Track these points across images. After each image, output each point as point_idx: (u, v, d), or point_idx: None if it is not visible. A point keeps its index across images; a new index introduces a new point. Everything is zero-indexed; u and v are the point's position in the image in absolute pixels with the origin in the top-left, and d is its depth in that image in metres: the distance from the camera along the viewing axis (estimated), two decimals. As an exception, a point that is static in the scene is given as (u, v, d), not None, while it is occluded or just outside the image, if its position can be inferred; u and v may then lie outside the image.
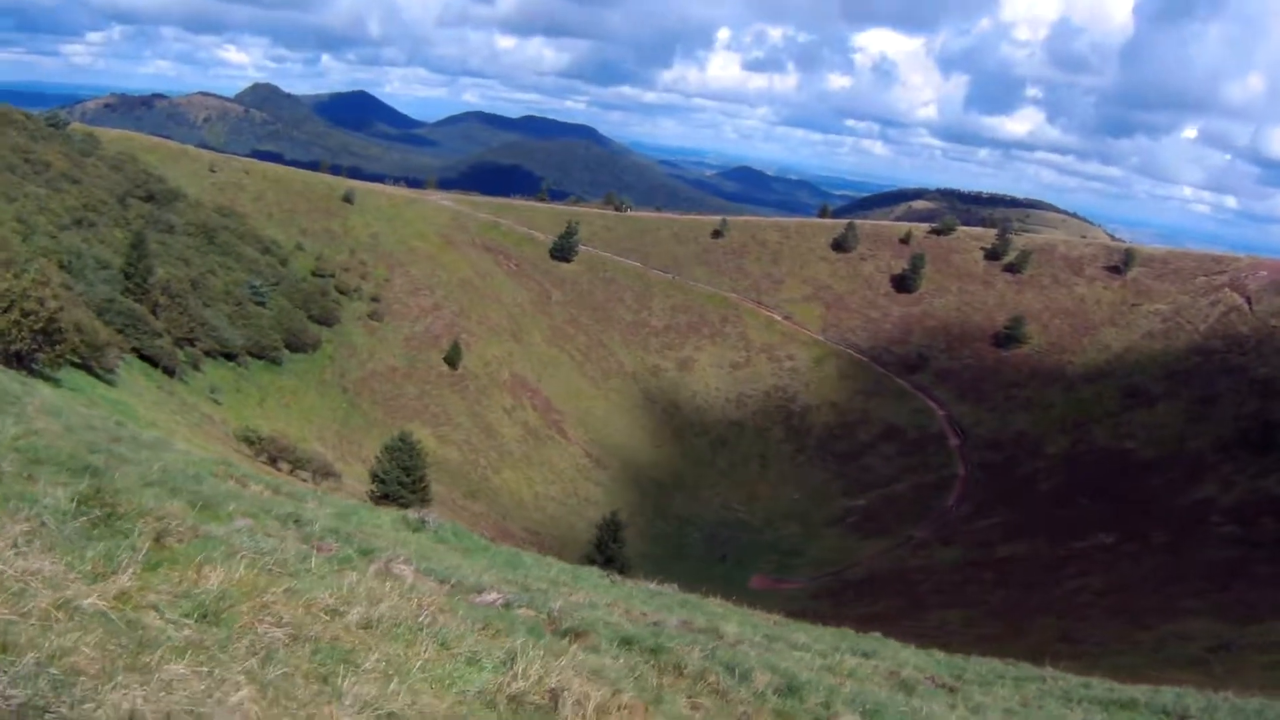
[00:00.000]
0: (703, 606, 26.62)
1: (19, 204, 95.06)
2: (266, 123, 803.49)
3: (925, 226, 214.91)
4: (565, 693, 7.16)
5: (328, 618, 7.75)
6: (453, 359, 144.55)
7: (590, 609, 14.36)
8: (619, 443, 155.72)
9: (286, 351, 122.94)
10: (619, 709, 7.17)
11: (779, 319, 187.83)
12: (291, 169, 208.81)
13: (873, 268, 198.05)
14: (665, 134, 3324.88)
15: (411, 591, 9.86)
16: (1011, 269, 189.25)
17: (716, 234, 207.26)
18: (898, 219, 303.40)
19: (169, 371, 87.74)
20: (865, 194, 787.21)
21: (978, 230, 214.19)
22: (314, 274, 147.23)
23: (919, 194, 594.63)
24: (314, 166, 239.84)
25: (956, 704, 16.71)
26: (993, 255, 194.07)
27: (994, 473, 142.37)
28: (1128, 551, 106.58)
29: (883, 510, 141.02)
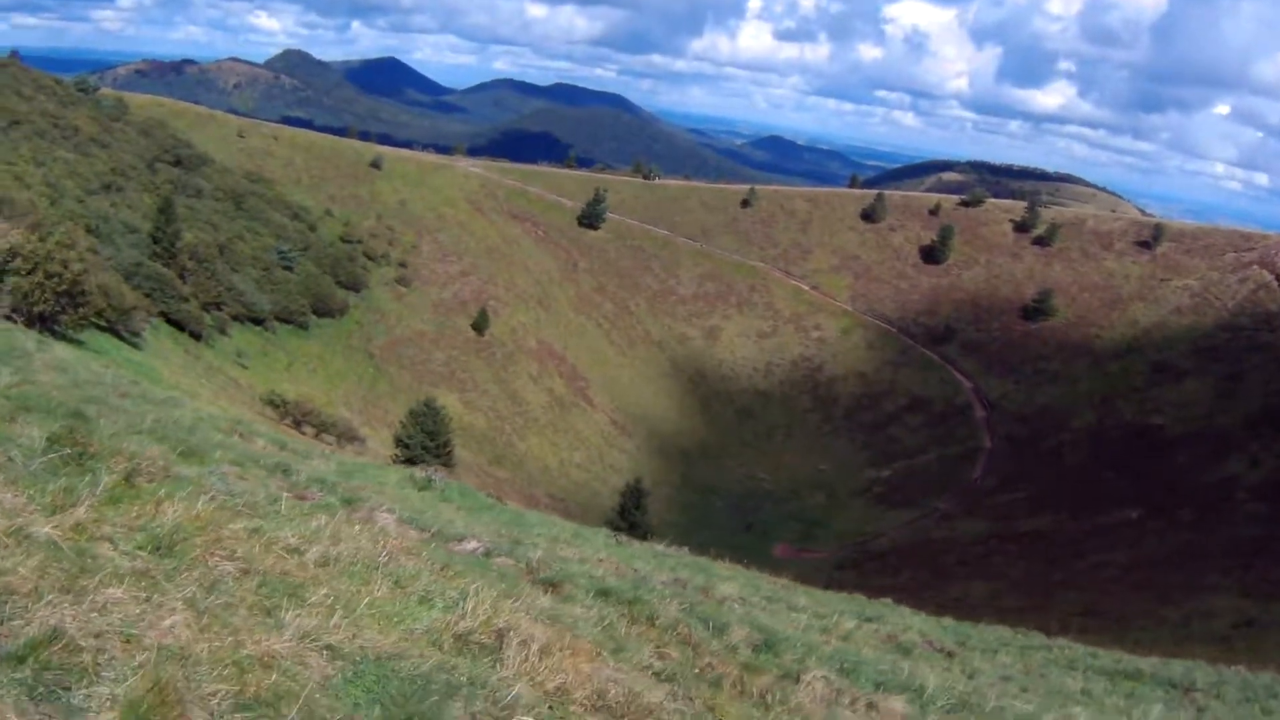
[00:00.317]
0: (710, 569, 26.54)
1: (48, 168, 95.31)
2: (297, 89, 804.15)
3: (954, 198, 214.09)
4: (511, 633, 7.08)
5: (286, 555, 7.70)
6: (480, 325, 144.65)
7: (579, 564, 14.32)
8: (645, 411, 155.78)
9: (313, 316, 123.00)
10: (563, 650, 7.04)
11: (807, 289, 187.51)
12: (320, 135, 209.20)
13: (901, 239, 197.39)
14: (695, 102, 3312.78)
15: (381, 535, 9.75)
16: (1040, 242, 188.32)
17: (745, 203, 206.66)
18: (927, 190, 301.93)
19: (196, 336, 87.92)
20: (895, 165, 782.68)
21: (1007, 203, 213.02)
22: (342, 239, 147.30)
23: (949, 166, 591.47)
24: (343, 133, 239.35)
25: (952, 668, 16.63)
26: (1022, 228, 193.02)
27: (1020, 446, 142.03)
28: (1153, 528, 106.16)
29: (908, 481, 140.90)
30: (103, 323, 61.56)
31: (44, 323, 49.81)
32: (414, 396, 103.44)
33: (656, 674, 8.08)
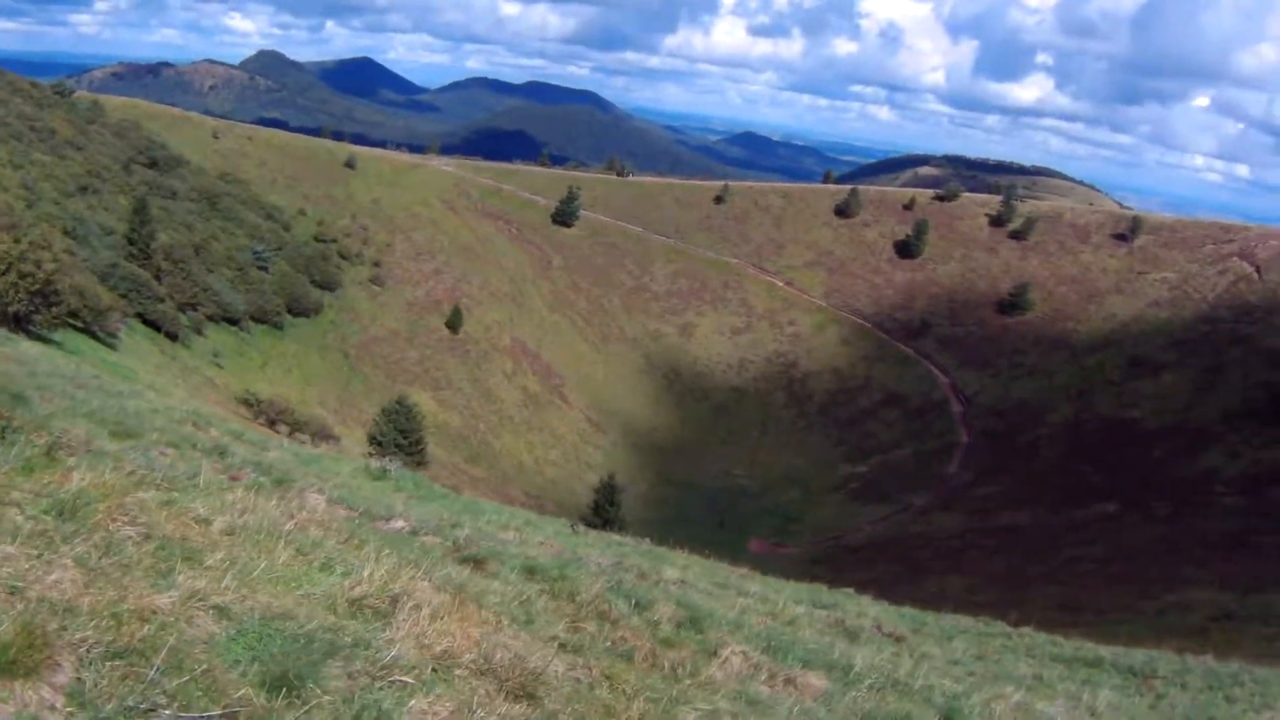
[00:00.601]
0: (665, 557, 26.48)
1: (24, 171, 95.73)
2: (271, 90, 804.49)
3: (929, 193, 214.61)
4: (406, 598, 7.08)
5: (193, 524, 7.70)
6: (454, 324, 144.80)
7: (517, 546, 14.29)
8: (620, 408, 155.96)
9: (288, 316, 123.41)
10: (455, 616, 7.01)
11: (781, 285, 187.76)
12: (294, 135, 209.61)
13: (876, 234, 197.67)
14: (669, 99, 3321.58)
15: (297, 509, 9.68)
16: (1016, 236, 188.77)
17: (719, 199, 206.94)
18: (903, 185, 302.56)
19: (172, 336, 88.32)
20: (871, 160, 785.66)
21: (982, 196, 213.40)
22: (316, 239, 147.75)
23: (925, 160, 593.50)
24: (317, 133, 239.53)
25: (900, 652, 16.54)
26: (997, 222, 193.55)
27: (996, 440, 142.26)
28: (1130, 521, 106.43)
29: (884, 477, 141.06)
30: (79, 323, 62.16)
31: (18, 322, 50.23)
32: (388, 395, 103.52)
33: (563, 645, 8.05)
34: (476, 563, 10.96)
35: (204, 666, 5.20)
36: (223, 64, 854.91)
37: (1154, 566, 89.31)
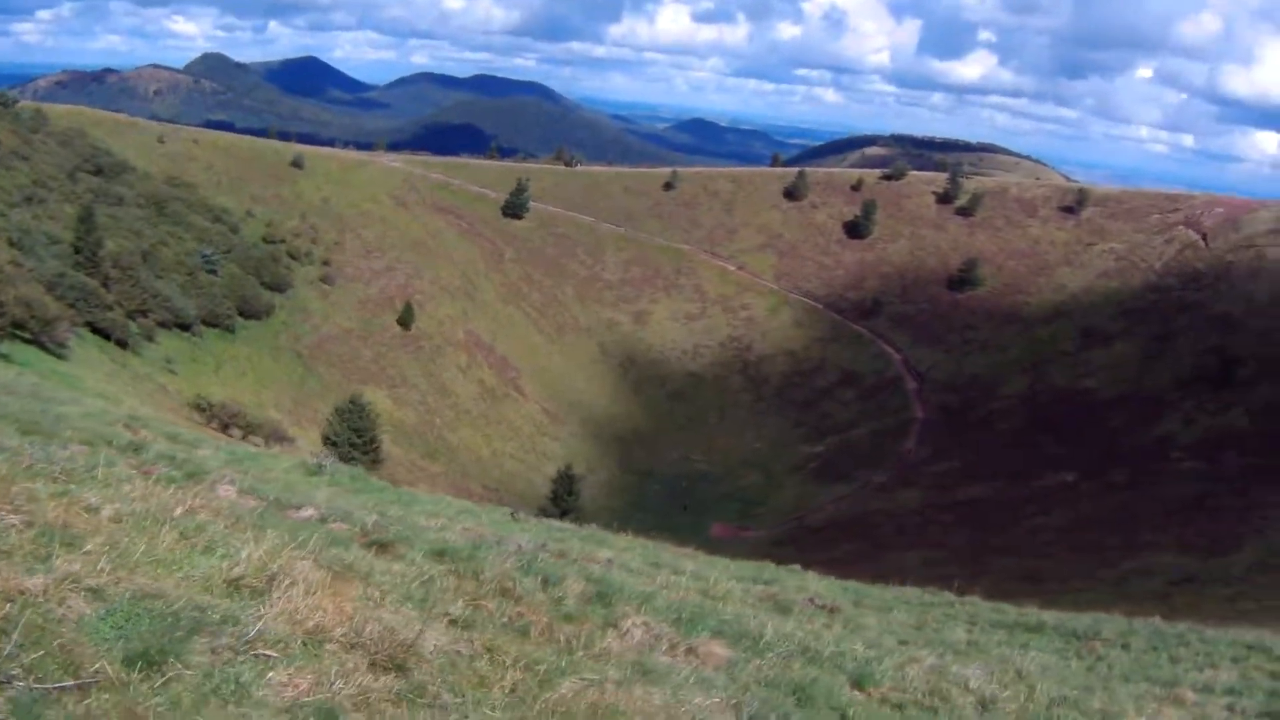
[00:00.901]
0: (606, 540, 26.55)
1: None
2: (217, 92, 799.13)
3: (876, 173, 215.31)
4: (283, 577, 7.12)
5: (82, 512, 7.74)
6: (406, 320, 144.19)
7: (436, 531, 14.23)
8: (577, 398, 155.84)
9: (240, 319, 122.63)
10: (327, 591, 7.03)
11: (733, 269, 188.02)
12: (240, 136, 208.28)
13: (825, 215, 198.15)
14: (617, 89, 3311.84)
15: (197, 498, 9.66)
16: (964, 212, 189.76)
17: (668, 186, 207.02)
18: (852, 166, 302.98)
19: (122, 344, 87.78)
20: (819, 142, 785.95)
21: (929, 175, 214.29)
22: (265, 240, 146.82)
23: (873, 140, 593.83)
24: (264, 135, 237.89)
25: (832, 623, 16.62)
26: (945, 199, 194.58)
27: (952, 415, 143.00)
28: (1089, 490, 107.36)
29: (842, 456, 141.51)
30: (26, 334, 61.68)
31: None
32: (343, 394, 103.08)
33: (454, 621, 8.08)
34: (382, 546, 10.98)
35: (61, 642, 5.25)
36: (167, 68, 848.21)
37: (1114, 534, 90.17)
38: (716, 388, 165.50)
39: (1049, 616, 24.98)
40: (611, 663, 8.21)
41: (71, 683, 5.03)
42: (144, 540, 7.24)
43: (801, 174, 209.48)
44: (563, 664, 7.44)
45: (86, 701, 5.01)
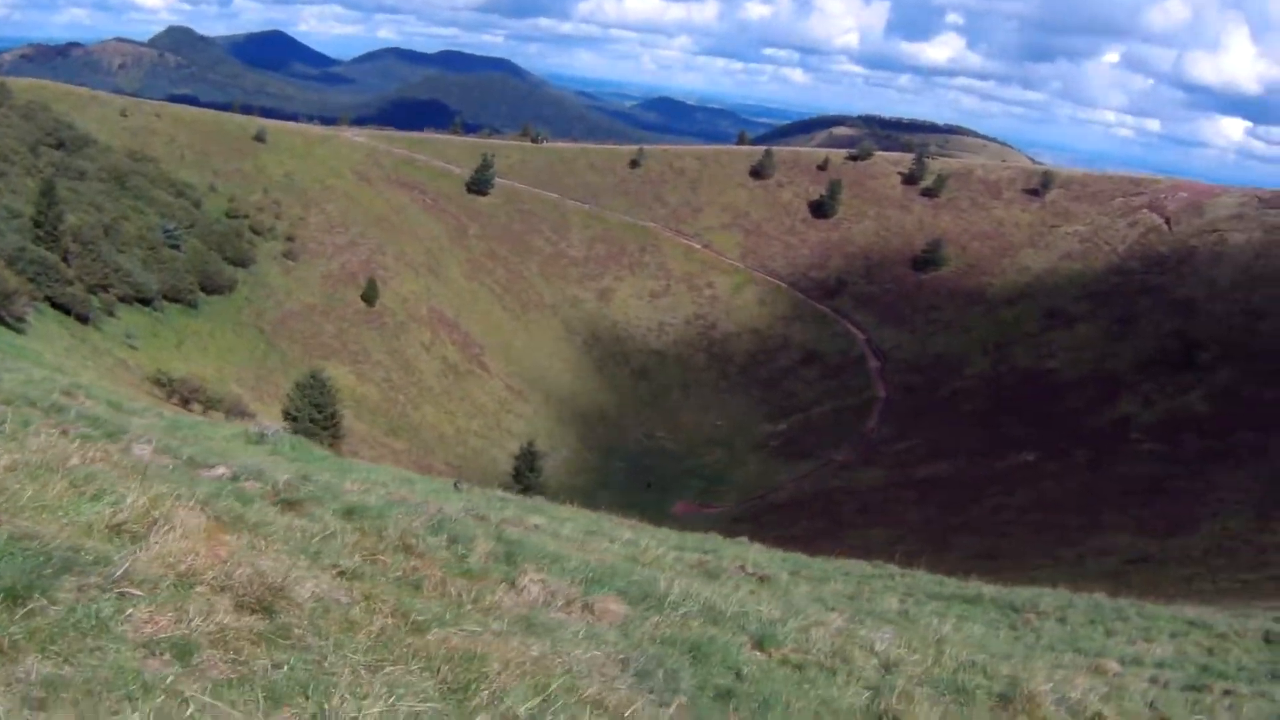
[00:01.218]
0: (548, 510, 26.69)
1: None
2: (181, 66, 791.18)
3: (843, 153, 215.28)
4: (163, 523, 7.23)
5: None
6: (370, 296, 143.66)
7: (358, 495, 14.26)
8: (541, 375, 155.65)
9: (202, 294, 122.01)
10: (202, 537, 7.14)
11: (698, 247, 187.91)
12: (203, 110, 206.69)
13: (790, 194, 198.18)
14: (584, 66, 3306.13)
15: (99, 452, 9.75)
16: (929, 193, 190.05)
17: (634, 163, 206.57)
18: (819, 146, 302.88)
19: (82, 319, 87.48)
20: (787, 121, 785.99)
21: (895, 155, 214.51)
22: (228, 215, 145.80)
23: (840, 121, 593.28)
24: (229, 109, 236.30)
25: (759, 590, 16.75)
26: (910, 180, 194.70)
27: (915, 395, 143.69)
28: (1049, 470, 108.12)
29: (805, 434, 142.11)
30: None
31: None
32: (306, 370, 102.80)
33: (342, 572, 8.18)
34: (290, 504, 11.09)
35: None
36: (132, 42, 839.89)
37: (1074, 514, 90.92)
38: (680, 365, 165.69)
39: (989, 589, 25.22)
40: (497, 616, 8.31)
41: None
42: (34, 487, 7.35)
43: (768, 153, 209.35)
44: (446, 615, 7.54)
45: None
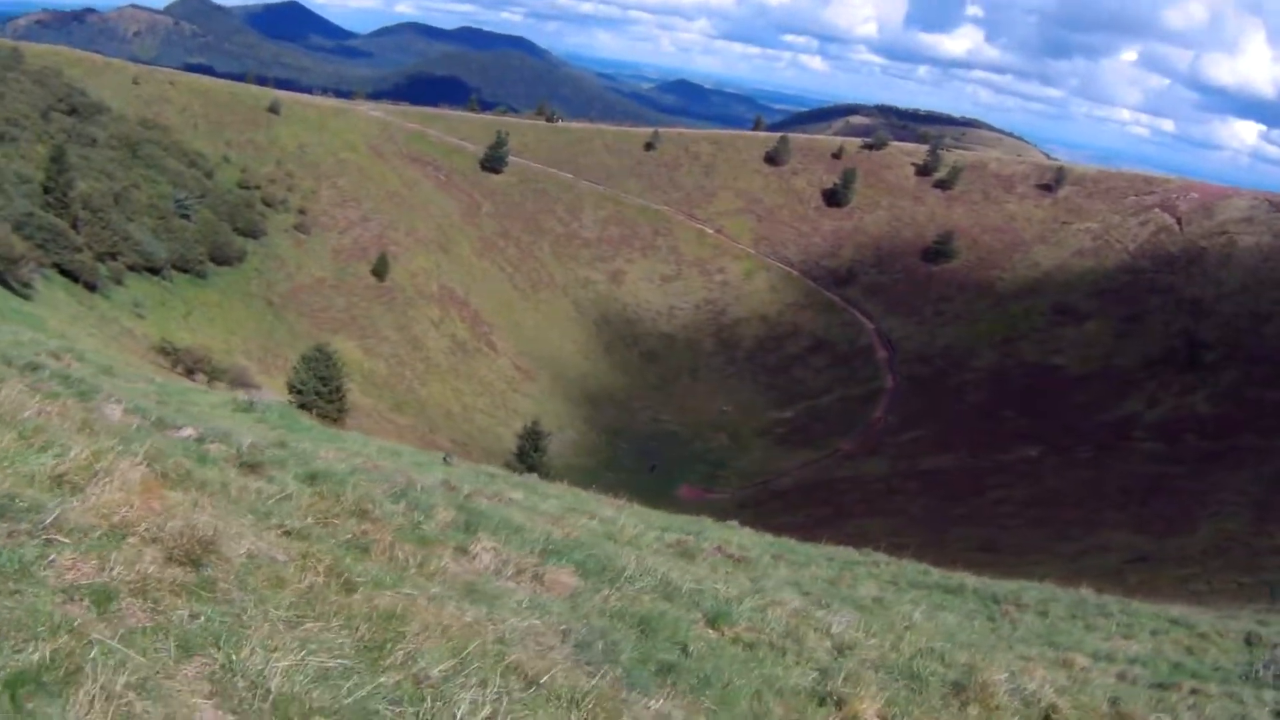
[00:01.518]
0: (537, 487, 26.71)
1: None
2: (197, 35, 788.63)
3: (858, 141, 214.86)
4: (104, 475, 7.34)
5: None
6: (380, 271, 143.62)
7: (330, 461, 14.35)
8: (549, 355, 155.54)
9: (212, 265, 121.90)
10: (146, 490, 7.25)
11: (710, 232, 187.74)
12: (217, 80, 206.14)
13: (804, 182, 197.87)
14: (602, 46, 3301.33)
15: (56, 407, 9.83)
16: (942, 185, 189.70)
17: (649, 146, 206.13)
18: (836, 134, 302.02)
19: (90, 286, 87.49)
20: (804, 109, 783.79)
21: (909, 146, 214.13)
22: (240, 186, 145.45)
23: (856, 110, 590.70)
24: (243, 80, 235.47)
25: (735, 571, 16.82)
26: (924, 171, 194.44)
27: (921, 386, 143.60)
28: (1051, 465, 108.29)
29: (811, 422, 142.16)
30: (-10, 274, 61.52)
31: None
32: (313, 344, 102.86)
33: (288, 532, 8.26)
34: (252, 466, 11.21)
35: None
36: (147, 9, 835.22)
37: (1074, 510, 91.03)
38: (689, 350, 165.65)
39: (972, 580, 25.27)
40: (441, 581, 8.38)
41: None
42: (-21, 440, 7.45)
43: (784, 139, 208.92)
44: (385, 578, 7.62)
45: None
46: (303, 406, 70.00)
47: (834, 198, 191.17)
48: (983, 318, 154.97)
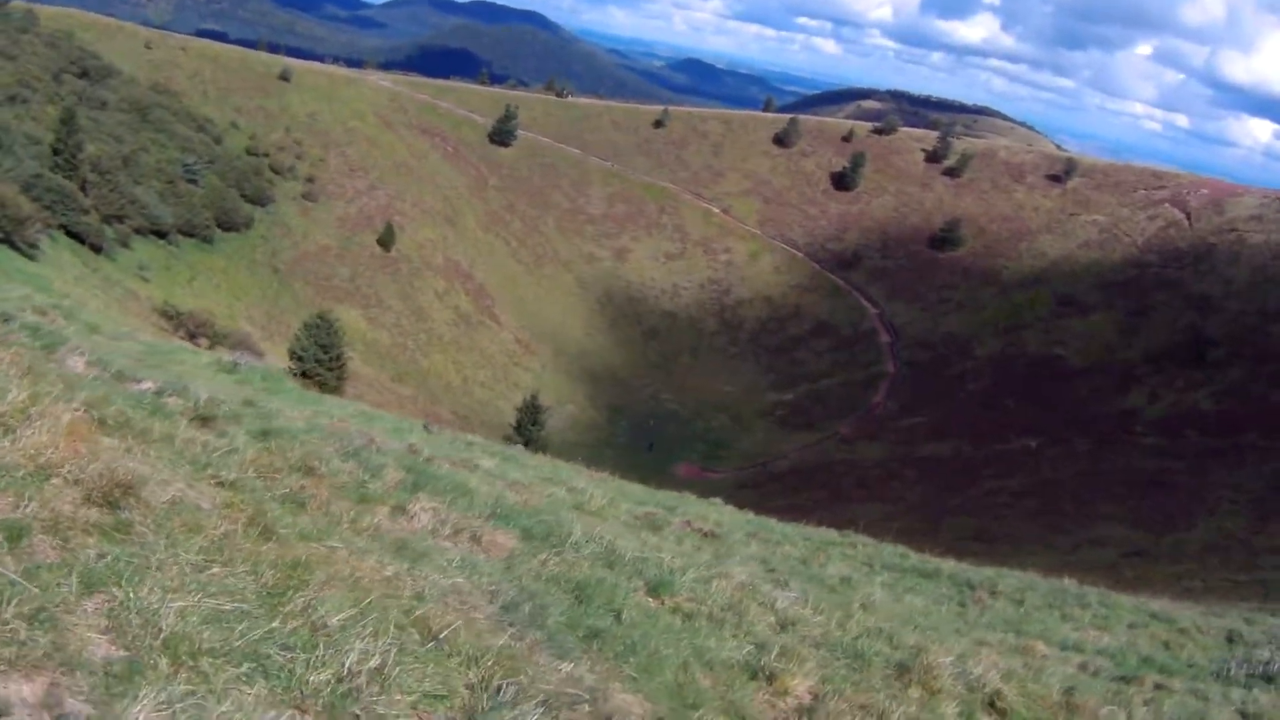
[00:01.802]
0: (516, 458, 26.76)
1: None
2: (211, 1, 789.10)
3: (868, 125, 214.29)
4: (39, 418, 7.42)
5: None
6: (386, 241, 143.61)
7: (296, 423, 14.43)
8: (551, 331, 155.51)
9: (218, 230, 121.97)
10: (65, 430, 7.36)
11: (717, 212, 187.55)
12: (228, 46, 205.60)
13: (813, 164, 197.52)
14: (615, 23, 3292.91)
15: (14, 354, 9.93)
16: (951, 172, 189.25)
17: (658, 124, 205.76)
18: (847, 118, 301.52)
19: (96, 249, 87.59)
20: (815, 92, 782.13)
21: (919, 131, 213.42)
22: (248, 152, 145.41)
23: (869, 94, 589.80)
24: (255, 47, 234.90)
25: (702, 546, 16.90)
26: (933, 158, 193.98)
27: (923, 372, 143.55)
28: (1050, 456, 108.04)
29: (811, 405, 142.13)
30: (-2, 234, 61.73)
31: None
32: (318, 311, 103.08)
33: (222, 483, 8.35)
34: (205, 420, 11.32)
35: None
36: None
37: (1071, 502, 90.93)
38: (692, 329, 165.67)
39: (948, 565, 25.29)
40: (371, 537, 8.50)
41: None
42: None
43: (793, 120, 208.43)
44: (312, 531, 7.73)
45: None
46: (304, 374, 70.28)
47: (842, 181, 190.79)
48: (986, 306, 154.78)
